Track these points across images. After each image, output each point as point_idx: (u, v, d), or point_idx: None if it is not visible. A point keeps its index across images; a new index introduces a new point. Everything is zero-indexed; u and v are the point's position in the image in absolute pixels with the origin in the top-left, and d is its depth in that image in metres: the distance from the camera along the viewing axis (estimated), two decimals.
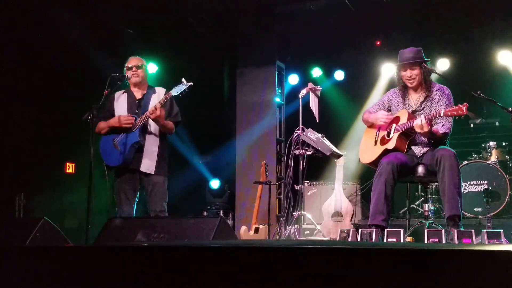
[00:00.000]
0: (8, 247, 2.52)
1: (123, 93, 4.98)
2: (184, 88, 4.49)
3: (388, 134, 4.56)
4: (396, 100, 4.66)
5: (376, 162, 4.51)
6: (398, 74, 4.63)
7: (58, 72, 7.86)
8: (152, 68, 7.76)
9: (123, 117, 4.75)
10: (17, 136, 7.39)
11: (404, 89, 4.61)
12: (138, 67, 4.89)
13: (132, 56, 5.03)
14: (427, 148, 4.49)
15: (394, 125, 4.54)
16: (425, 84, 4.52)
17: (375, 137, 4.73)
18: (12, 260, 2.26)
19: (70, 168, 8.19)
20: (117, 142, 4.76)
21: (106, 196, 4.95)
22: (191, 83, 4.50)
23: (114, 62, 6.96)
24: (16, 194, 7.24)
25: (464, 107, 4.05)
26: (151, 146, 4.77)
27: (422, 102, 4.52)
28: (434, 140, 4.44)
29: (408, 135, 4.46)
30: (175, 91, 4.52)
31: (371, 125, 4.83)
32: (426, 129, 4.20)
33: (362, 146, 4.89)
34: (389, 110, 4.73)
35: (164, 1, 6.76)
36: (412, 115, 4.46)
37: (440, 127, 4.37)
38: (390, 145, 4.46)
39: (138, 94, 4.94)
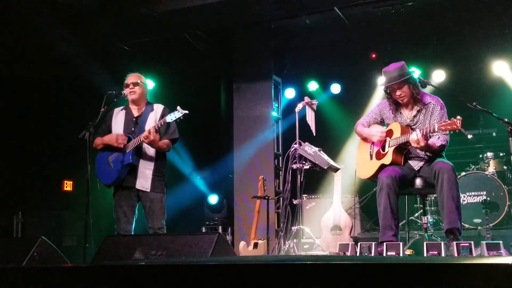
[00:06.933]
0: (5, 268, 2.50)
1: (121, 110, 4.94)
2: (180, 115, 4.50)
3: (383, 149, 4.53)
4: (388, 113, 4.61)
5: (374, 177, 4.48)
6: (386, 93, 4.56)
7: (55, 89, 7.90)
8: (149, 84, 7.77)
9: (120, 136, 4.70)
10: (15, 154, 7.38)
11: (396, 103, 4.55)
12: (135, 84, 4.84)
13: (131, 73, 5.00)
14: (424, 162, 4.46)
15: (388, 139, 4.50)
16: (414, 97, 4.44)
17: (370, 151, 4.70)
18: (9, 281, 2.24)
19: (68, 186, 8.18)
20: (111, 160, 4.75)
21: (105, 214, 4.93)
22: (186, 112, 4.51)
23: (111, 79, 7.00)
24: (14, 212, 7.22)
25: (458, 121, 3.97)
26: (145, 166, 4.74)
27: (414, 116, 4.47)
28: (431, 153, 4.39)
29: (403, 148, 4.42)
30: (169, 118, 4.52)
31: (364, 138, 4.79)
32: (422, 143, 4.16)
33: (358, 160, 4.86)
34: (381, 121, 4.70)
35: (160, 18, 6.78)
36: (406, 128, 4.42)
37: (437, 140, 4.32)
38: (387, 160, 4.43)
39: (136, 111, 4.91)
